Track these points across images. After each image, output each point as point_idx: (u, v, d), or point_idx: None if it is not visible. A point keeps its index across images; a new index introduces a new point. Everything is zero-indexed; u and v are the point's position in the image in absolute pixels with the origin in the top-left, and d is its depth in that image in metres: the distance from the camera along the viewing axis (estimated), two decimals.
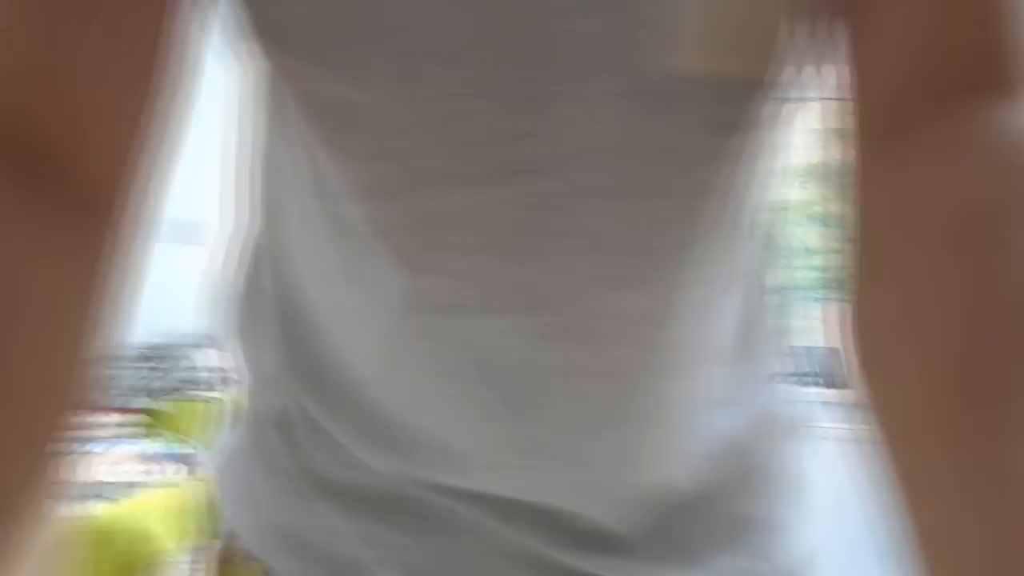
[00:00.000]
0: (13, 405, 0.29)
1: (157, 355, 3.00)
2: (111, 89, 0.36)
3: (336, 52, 0.37)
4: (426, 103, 0.38)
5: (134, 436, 2.70)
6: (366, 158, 0.40)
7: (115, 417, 2.68)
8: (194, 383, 2.96)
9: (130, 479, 2.41)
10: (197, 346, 3.07)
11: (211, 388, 2.91)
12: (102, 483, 2.33)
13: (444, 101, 0.38)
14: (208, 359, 3.04)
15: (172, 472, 2.50)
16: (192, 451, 2.57)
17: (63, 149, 0.35)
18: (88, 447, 2.47)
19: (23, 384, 0.30)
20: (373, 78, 0.37)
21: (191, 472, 2.49)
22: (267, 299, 0.51)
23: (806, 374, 2.34)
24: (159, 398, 2.88)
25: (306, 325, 0.49)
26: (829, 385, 2.21)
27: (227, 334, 0.54)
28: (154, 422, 2.81)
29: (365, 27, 0.36)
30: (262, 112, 0.48)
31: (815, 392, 2.10)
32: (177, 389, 2.92)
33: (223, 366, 2.91)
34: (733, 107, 0.38)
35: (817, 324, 1.83)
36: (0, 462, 0.28)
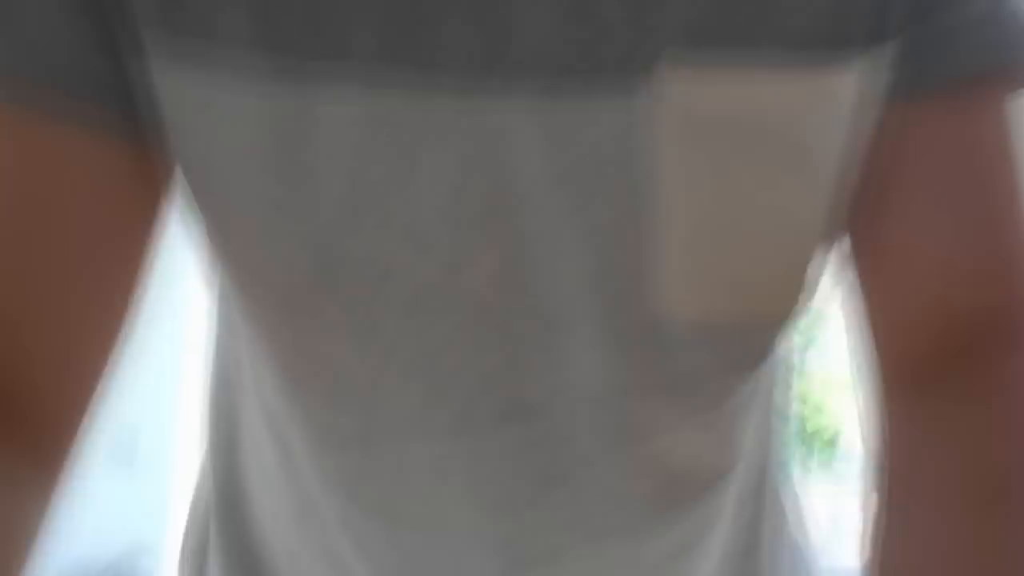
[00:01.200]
0: None
1: None
2: (78, 334, 0.33)
3: (291, 298, 0.34)
4: (384, 353, 0.35)
5: None
6: (318, 406, 0.37)
7: None
8: None
9: None
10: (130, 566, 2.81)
11: None
12: None
13: (402, 351, 0.34)
14: None
15: None
16: None
17: (21, 388, 0.32)
18: None
19: None
20: (326, 325, 0.34)
21: None
22: (221, 537, 0.46)
23: None
24: None
25: (258, 568, 0.44)
26: None
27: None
28: None
29: (321, 278, 0.33)
30: (220, 333, 0.45)
31: None
32: None
33: None
34: (735, 348, 0.36)
35: None
36: None
